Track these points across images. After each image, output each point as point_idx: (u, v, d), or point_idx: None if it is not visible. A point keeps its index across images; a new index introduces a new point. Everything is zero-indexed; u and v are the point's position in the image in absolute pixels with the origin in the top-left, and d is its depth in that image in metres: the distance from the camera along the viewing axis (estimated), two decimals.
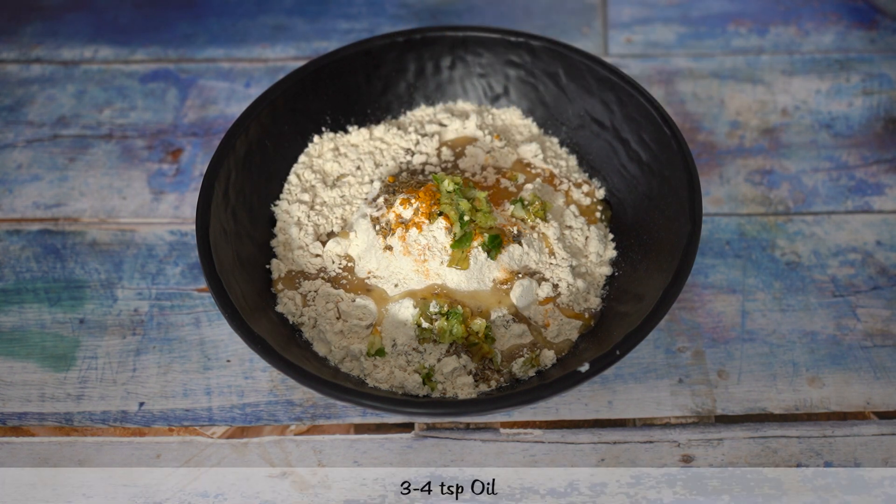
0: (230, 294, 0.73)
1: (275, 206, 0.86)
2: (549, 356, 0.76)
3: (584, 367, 0.68)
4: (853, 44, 1.08)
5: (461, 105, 0.93)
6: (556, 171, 0.87)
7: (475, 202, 0.78)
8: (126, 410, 0.80)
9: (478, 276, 0.77)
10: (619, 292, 0.79)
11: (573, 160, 0.89)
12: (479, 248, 0.77)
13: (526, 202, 0.81)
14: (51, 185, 0.96)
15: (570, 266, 0.80)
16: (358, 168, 0.87)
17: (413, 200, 0.78)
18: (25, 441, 0.78)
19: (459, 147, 0.89)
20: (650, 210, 0.81)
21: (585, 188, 0.86)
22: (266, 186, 0.85)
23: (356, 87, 0.90)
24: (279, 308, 0.79)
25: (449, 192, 0.77)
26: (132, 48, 1.09)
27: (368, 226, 0.80)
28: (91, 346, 0.84)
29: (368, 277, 0.79)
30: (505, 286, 0.77)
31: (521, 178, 0.85)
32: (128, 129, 1.01)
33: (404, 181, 0.83)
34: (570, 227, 0.83)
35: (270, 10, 1.14)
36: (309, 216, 0.84)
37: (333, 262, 0.81)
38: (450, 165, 0.87)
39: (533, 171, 0.87)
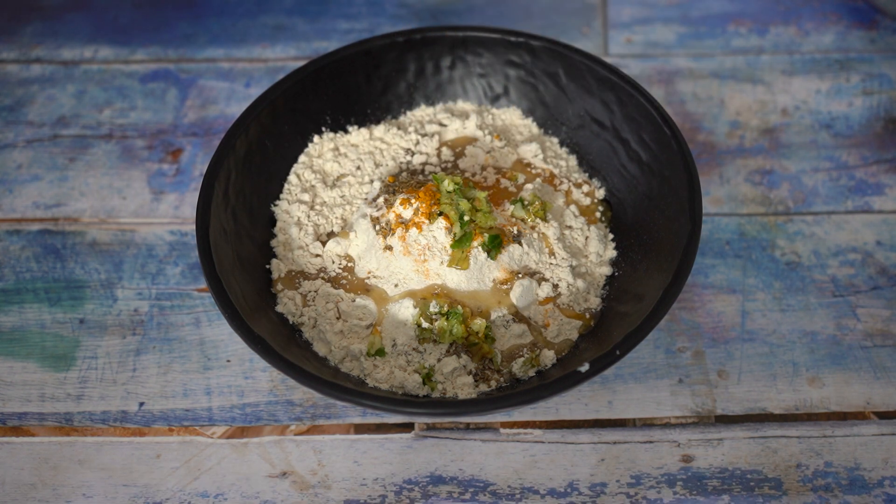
0: (230, 294, 0.73)
1: (275, 206, 0.86)
2: (549, 356, 0.76)
3: (584, 367, 0.68)
4: (853, 44, 1.08)
5: (461, 105, 0.93)
6: (556, 171, 0.87)
7: (475, 202, 0.78)
8: (126, 410, 0.80)
9: (478, 276, 0.77)
10: (619, 292, 0.79)
11: (573, 160, 0.89)
12: (479, 248, 0.77)
13: (526, 202, 0.81)
14: (51, 185, 0.96)
15: (570, 266, 0.80)
16: (358, 168, 0.87)
17: (413, 200, 0.78)
18: (25, 441, 0.78)
19: (459, 147, 0.89)
20: (650, 210, 0.81)
21: (585, 188, 0.87)
22: (266, 186, 0.85)
23: (356, 87, 0.90)
24: (279, 308, 0.79)
25: (449, 192, 0.77)
26: (132, 48, 1.09)
27: (368, 226, 0.80)
28: (91, 346, 0.84)
29: (368, 277, 0.79)
30: (505, 286, 0.77)
31: (521, 178, 0.85)
32: (128, 129, 1.01)
33: (404, 181, 0.83)
34: (570, 227, 0.83)
35: (270, 10, 1.14)
36: (309, 216, 0.84)
37: (333, 262, 0.81)
38: (450, 165, 0.87)
39: (533, 171, 0.87)
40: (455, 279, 0.77)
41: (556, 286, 0.79)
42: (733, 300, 0.86)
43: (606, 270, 0.81)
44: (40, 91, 1.05)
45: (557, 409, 0.79)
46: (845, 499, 0.74)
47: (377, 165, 0.87)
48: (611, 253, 0.82)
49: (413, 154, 0.88)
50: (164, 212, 0.93)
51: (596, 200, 0.86)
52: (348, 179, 0.87)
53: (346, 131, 0.90)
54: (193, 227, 0.91)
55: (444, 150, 0.88)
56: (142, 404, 0.80)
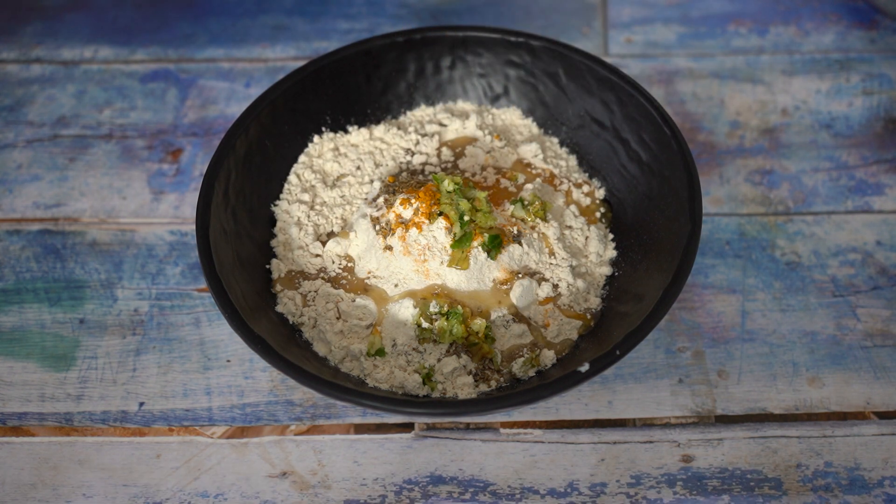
0: (230, 294, 0.73)
1: (275, 206, 0.86)
2: (549, 356, 0.76)
3: (584, 367, 0.68)
4: (853, 44, 1.08)
5: (461, 105, 0.93)
6: (556, 171, 0.87)
7: (475, 202, 0.78)
8: (126, 410, 0.80)
9: (478, 276, 0.77)
10: (619, 292, 0.79)
11: (573, 160, 0.89)
12: (479, 248, 0.77)
13: (526, 202, 0.81)
14: (51, 185, 0.96)
15: (570, 266, 0.80)
16: (358, 168, 0.87)
17: (413, 200, 0.78)
18: (25, 441, 0.78)
19: (459, 147, 0.89)
20: (650, 210, 0.81)
21: (585, 188, 0.87)
22: (266, 186, 0.85)
23: (356, 87, 0.90)
24: (279, 308, 0.79)
25: (449, 192, 0.77)
26: (132, 48, 1.09)
27: (368, 226, 0.80)
28: (91, 346, 0.84)
29: (368, 277, 0.79)
30: (505, 286, 0.77)
31: (521, 178, 0.85)
32: (128, 129, 1.01)
33: (404, 181, 0.83)
34: (570, 227, 0.83)
35: (270, 10, 1.14)
36: (309, 216, 0.84)
37: (333, 262, 0.81)
38: (450, 165, 0.87)
39: (533, 171, 0.87)
40: (455, 279, 0.77)
41: (556, 286, 0.79)
42: (733, 300, 0.86)
43: (606, 270, 0.81)
44: (40, 91, 1.05)
45: (557, 409, 0.79)
46: (845, 499, 0.74)
47: (377, 165, 0.87)
48: (611, 253, 0.82)
49: (413, 154, 0.88)
50: (164, 212, 0.93)
51: (596, 200, 0.86)
52: (348, 179, 0.87)
53: (346, 131, 0.90)
54: (193, 227, 0.91)
55: (444, 150, 0.88)
56: (142, 404, 0.80)
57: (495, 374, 0.75)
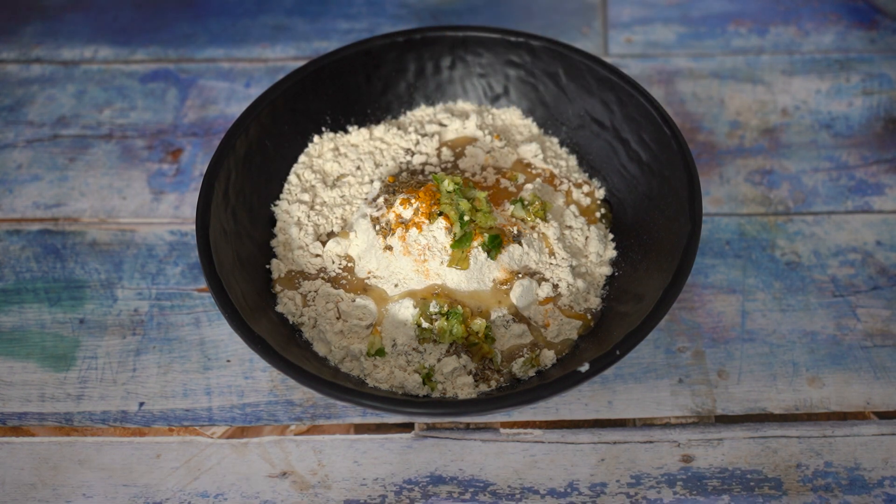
0: (230, 294, 0.73)
1: (275, 206, 0.86)
2: (549, 356, 0.76)
3: (584, 367, 0.68)
4: (853, 44, 1.08)
5: (461, 105, 0.93)
6: (556, 171, 0.87)
7: (475, 202, 0.78)
8: (126, 410, 0.80)
9: (478, 276, 0.77)
10: (619, 292, 0.79)
11: (573, 160, 0.89)
12: (479, 248, 0.77)
13: (526, 202, 0.81)
14: (51, 185, 0.96)
15: (570, 266, 0.80)
16: (358, 168, 0.87)
17: (413, 200, 0.78)
18: (25, 441, 0.78)
19: (459, 147, 0.89)
20: (650, 210, 0.81)
21: (585, 188, 0.87)
22: (266, 186, 0.85)
23: (356, 87, 0.90)
24: (279, 308, 0.79)
25: (449, 192, 0.77)
26: (132, 48, 1.09)
27: (368, 226, 0.80)
28: (91, 346, 0.84)
29: (368, 277, 0.79)
30: (505, 286, 0.77)
31: (521, 178, 0.85)
32: (128, 129, 1.01)
33: (404, 181, 0.83)
34: (570, 227, 0.83)
35: (270, 10, 1.14)
36: (309, 216, 0.84)
37: (333, 263, 0.81)
38: (450, 165, 0.87)
39: (533, 171, 0.87)
40: (455, 279, 0.77)
41: (556, 286, 0.79)
42: (733, 300, 0.86)
43: (606, 270, 0.81)
44: (40, 91, 1.05)
45: (557, 409, 0.79)
46: (845, 499, 0.74)
47: (377, 165, 0.87)
48: (611, 253, 0.82)
49: (413, 154, 0.88)
50: (164, 212, 0.93)
51: (596, 200, 0.86)
52: (348, 179, 0.87)
53: (346, 131, 0.90)
54: (193, 227, 0.91)
55: (444, 150, 0.88)
56: (142, 404, 0.80)
57: (495, 374, 0.75)
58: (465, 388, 0.74)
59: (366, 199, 0.85)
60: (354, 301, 0.78)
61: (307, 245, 0.82)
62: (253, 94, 1.04)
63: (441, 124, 0.90)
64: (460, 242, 0.76)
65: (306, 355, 0.75)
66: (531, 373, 0.75)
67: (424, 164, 0.87)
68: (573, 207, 0.84)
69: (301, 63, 1.06)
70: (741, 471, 0.76)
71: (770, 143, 0.98)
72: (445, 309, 0.75)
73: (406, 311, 0.76)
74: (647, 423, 0.78)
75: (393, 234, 0.78)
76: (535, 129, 0.91)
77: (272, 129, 0.86)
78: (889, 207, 0.92)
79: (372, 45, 0.89)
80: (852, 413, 0.79)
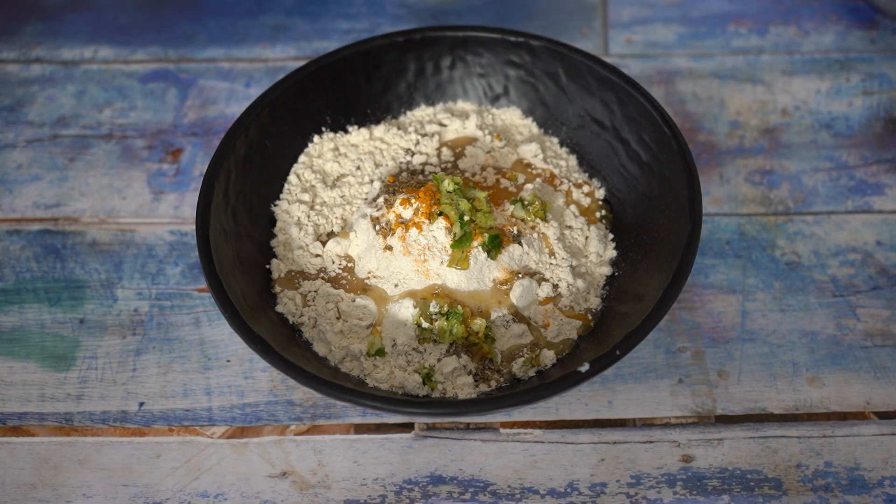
0: (230, 294, 0.73)
1: (275, 206, 0.86)
2: (549, 356, 0.76)
3: (584, 367, 0.68)
4: (853, 44, 1.08)
5: (461, 105, 0.93)
6: (556, 171, 0.87)
7: (475, 202, 0.78)
8: (126, 410, 0.80)
9: (478, 276, 0.77)
10: (619, 292, 0.79)
11: (573, 160, 0.89)
12: (479, 248, 0.77)
13: (526, 202, 0.81)
14: (51, 185, 0.96)
15: (570, 266, 0.80)
16: (358, 168, 0.87)
17: (413, 200, 0.78)
18: (25, 441, 0.78)
19: (459, 147, 0.89)
20: (650, 210, 0.81)
21: (585, 188, 0.87)
22: (266, 186, 0.85)
23: (356, 87, 0.90)
24: (279, 308, 0.79)
25: (449, 192, 0.77)
26: (132, 48, 1.09)
27: (368, 226, 0.80)
28: (91, 346, 0.84)
29: (368, 277, 0.79)
30: (505, 286, 0.77)
31: (521, 178, 0.85)
32: (128, 129, 1.01)
33: (404, 181, 0.83)
34: (570, 227, 0.83)
35: (270, 10, 1.14)
36: (309, 216, 0.84)
37: (333, 263, 0.81)
38: (450, 165, 0.87)
39: (533, 171, 0.87)
40: (455, 279, 0.77)
41: (556, 286, 0.79)
42: (733, 300, 0.86)
43: (606, 270, 0.81)
44: (40, 91, 1.05)
45: (557, 409, 0.79)
46: (845, 499, 0.74)
47: (377, 166, 0.87)
48: (611, 253, 0.82)
49: (413, 154, 0.88)
50: (164, 212, 0.93)
51: (596, 200, 0.86)
52: (348, 180, 0.87)
53: (346, 131, 0.90)
54: (193, 227, 0.91)
55: (444, 150, 0.88)
56: (142, 404, 0.80)
57: (495, 374, 0.75)
58: (465, 388, 0.74)
59: (366, 199, 0.85)
60: (354, 301, 0.78)
61: (307, 245, 0.82)
62: (253, 94, 1.04)
63: (441, 124, 0.90)
64: (460, 242, 0.76)
65: (306, 355, 0.75)
66: (531, 373, 0.75)
67: (424, 164, 0.87)
68: (573, 207, 0.84)
69: (301, 63, 1.06)
70: (741, 471, 0.76)
71: (770, 143, 0.98)
72: (445, 309, 0.75)
73: (406, 311, 0.76)
74: (647, 423, 0.78)
75: (393, 234, 0.78)
76: (535, 129, 0.91)
77: (272, 129, 0.86)
78: (889, 207, 0.92)
79: (372, 45, 0.89)
80: (852, 413, 0.79)
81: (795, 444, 0.77)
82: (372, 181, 0.86)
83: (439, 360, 0.75)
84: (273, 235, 0.84)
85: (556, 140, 0.91)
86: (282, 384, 0.81)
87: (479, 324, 0.75)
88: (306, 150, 0.89)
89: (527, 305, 0.78)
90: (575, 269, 0.80)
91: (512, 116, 0.92)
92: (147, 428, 0.79)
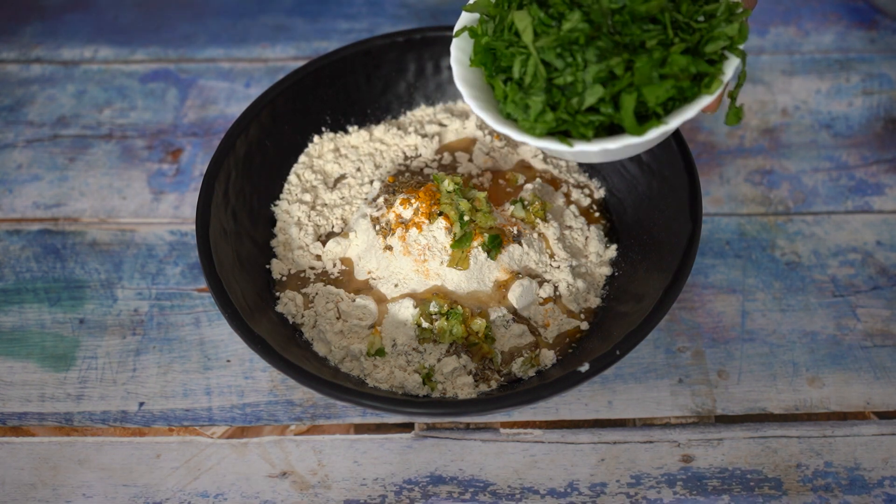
0: (230, 294, 0.73)
1: (275, 206, 0.86)
2: (549, 356, 0.76)
3: (584, 367, 0.68)
4: (853, 44, 1.08)
5: (461, 105, 0.93)
6: (556, 172, 0.87)
7: (475, 202, 0.78)
8: (126, 410, 0.80)
9: (478, 276, 0.77)
10: (619, 292, 0.79)
11: (573, 161, 0.89)
12: (479, 248, 0.77)
13: (526, 202, 0.81)
14: (51, 185, 0.96)
15: (570, 266, 0.80)
16: (358, 170, 0.87)
17: (413, 200, 0.78)
18: (25, 441, 0.78)
19: (459, 147, 0.89)
20: (650, 210, 0.81)
21: (585, 188, 0.87)
22: (266, 186, 0.85)
23: (356, 87, 0.90)
24: (279, 308, 0.79)
25: (449, 192, 0.77)
26: (132, 48, 1.09)
27: (368, 226, 0.80)
28: (91, 346, 0.84)
29: (368, 278, 0.79)
30: (505, 286, 0.77)
31: (520, 179, 0.85)
32: (128, 129, 1.01)
33: (404, 181, 0.83)
34: (570, 228, 0.83)
35: (270, 10, 1.14)
36: (309, 216, 0.84)
37: (334, 266, 0.81)
38: (449, 166, 0.87)
39: (533, 172, 0.87)
40: (455, 279, 0.77)
41: (556, 286, 0.79)
42: (733, 300, 0.86)
43: (606, 270, 0.81)
44: (40, 91, 1.05)
45: (557, 409, 0.79)
46: (845, 499, 0.74)
47: (377, 167, 0.87)
48: (611, 253, 0.82)
49: (413, 155, 0.88)
50: (164, 212, 0.93)
51: (596, 201, 0.86)
52: (348, 181, 0.87)
53: (346, 131, 0.90)
54: (193, 227, 0.91)
55: (445, 150, 0.88)
56: (142, 404, 0.80)
57: (495, 374, 0.75)
58: (465, 388, 0.74)
59: (366, 199, 0.85)
60: (354, 301, 0.78)
61: (307, 245, 0.82)
62: (253, 94, 1.04)
63: (441, 124, 0.90)
64: (460, 242, 0.76)
65: (306, 355, 0.75)
66: (531, 373, 0.75)
67: (424, 164, 0.87)
68: (573, 207, 0.84)
69: (301, 63, 1.06)
70: (741, 471, 0.76)
71: (770, 143, 0.98)
72: (445, 309, 0.75)
73: (406, 311, 0.76)
74: (647, 423, 0.78)
75: (393, 234, 0.78)
76: None
77: (272, 129, 0.86)
78: (889, 207, 0.92)
79: (372, 45, 0.89)
80: (852, 413, 0.79)
81: (795, 444, 0.77)
82: (372, 181, 0.86)
83: (439, 360, 0.75)
84: (273, 235, 0.84)
85: None
86: (282, 384, 0.81)
87: (479, 324, 0.75)
88: (306, 150, 0.89)
89: (527, 305, 0.78)
90: (575, 270, 0.80)
91: None
92: (147, 428, 0.79)
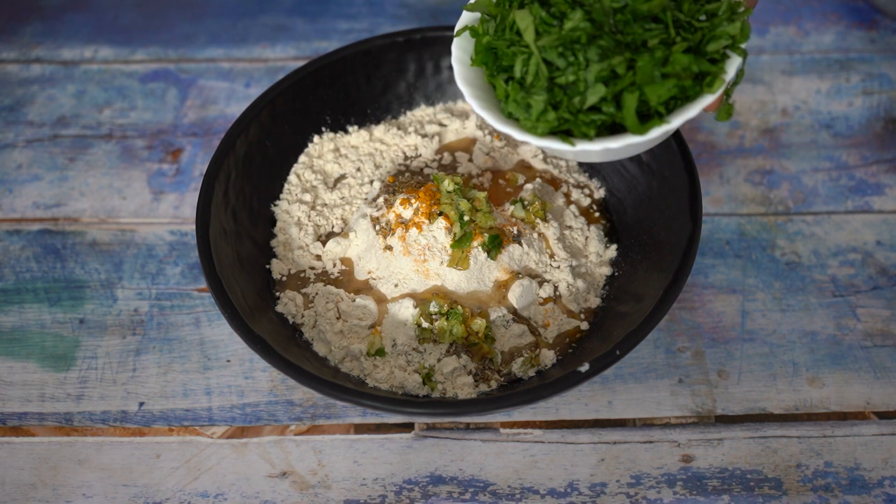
0: (230, 294, 0.73)
1: (275, 206, 0.86)
2: (549, 356, 0.76)
3: (584, 367, 0.68)
4: (853, 44, 1.08)
5: (461, 105, 0.93)
6: (556, 172, 0.87)
7: (475, 202, 0.78)
8: (126, 410, 0.80)
9: (478, 276, 0.77)
10: (619, 292, 0.79)
11: (573, 161, 0.89)
12: (479, 248, 0.77)
13: (526, 202, 0.81)
14: (51, 185, 0.96)
15: (570, 266, 0.80)
16: (358, 170, 0.87)
17: (413, 200, 0.78)
18: (25, 441, 0.78)
19: (459, 147, 0.89)
20: (650, 210, 0.81)
21: (585, 188, 0.87)
22: (266, 186, 0.85)
23: (356, 87, 0.90)
24: (279, 308, 0.79)
25: (449, 192, 0.77)
26: (132, 48, 1.09)
27: (368, 226, 0.80)
28: (91, 346, 0.84)
29: (368, 278, 0.79)
30: (505, 286, 0.77)
31: (520, 179, 0.85)
32: (128, 129, 1.01)
33: (404, 181, 0.83)
34: (570, 228, 0.83)
35: (270, 10, 1.14)
36: (309, 216, 0.84)
37: (334, 266, 0.81)
38: (449, 166, 0.87)
39: (533, 172, 0.87)
40: (455, 279, 0.77)
41: (556, 286, 0.79)
42: (733, 300, 0.86)
43: (606, 270, 0.81)
44: (40, 91, 1.05)
45: (557, 409, 0.79)
46: (845, 499, 0.74)
47: (377, 167, 0.87)
48: (611, 253, 0.82)
49: (413, 155, 0.88)
50: (164, 212, 0.93)
51: (596, 200, 0.86)
52: (348, 181, 0.87)
53: (346, 131, 0.90)
54: (193, 227, 0.91)
55: (445, 150, 0.88)
56: (142, 404, 0.80)
57: (495, 374, 0.75)
58: (465, 388, 0.74)
59: (366, 199, 0.85)
60: (354, 301, 0.78)
61: (307, 245, 0.82)
62: (253, 94, 1.04)
63: (441, 124, 0.91)
64: (460, 242, 0.76)
65: (306, 355, 0.75)
66: (531, 373, 0.75)
67: (424, 164, 0.87)
68: (573, 207, 0.84)
69: (301, 63, 1.06)
70: (741, 471, 0.76)
71: (770, 143, 0.98)
72: (445, 309, 0.75)
73: (406, 311, 0.76)
74: (647, 423, 0.78)
75: (393, 234, 0.78)
76: None
77: (272, 129, 0.86)
78: (889, 207, 0.92)
79: (372, 45, 0.89)
80: (852, 413, 0.79)
81: (795, 444, 0.77)
82: (372, 181, 0.86)
83: (439, 360, 0.75)
84: (273, 235, 0.84)
85: None
86: (282, 384, 0.81)
87: (479, 324, 0.75)
88: (306, 150, 0.89)
89: (527, 305, 0.78)
90: (575, 269, 0.80)
91: None
92: (147, 428, 0.79)
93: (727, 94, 0.66)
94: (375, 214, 0.80)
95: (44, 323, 0.85)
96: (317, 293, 0.79)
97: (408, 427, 0.79)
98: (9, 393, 0.81)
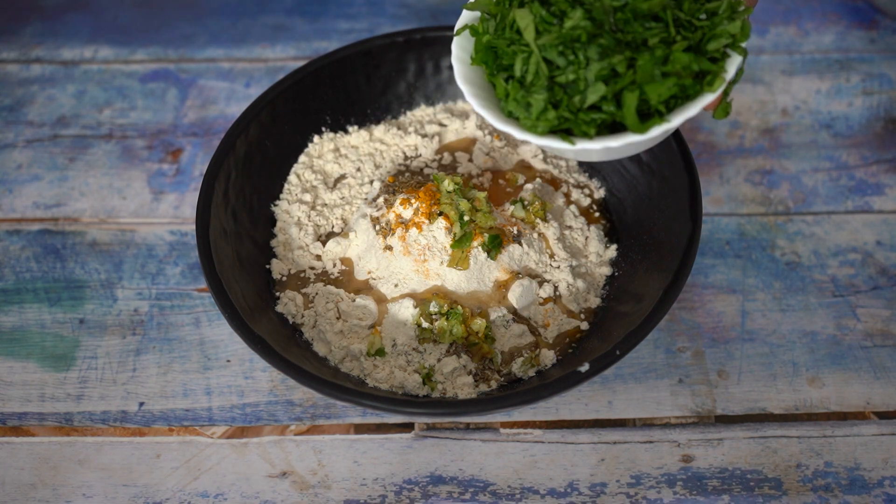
0: (230, 294, 0.73)
1: (275, 206, 0.86)
2: (549, 356, 0.76)
3: (584, 367, 0.68)
4: (853, 44, 1.08)
5: (461, 105, 0.93)
6: (556, 172, 0.87)
7: (475, 202, 0.78)
8: (126, 410, 0.80)
9: (478, 276, 0.77)
10: (619, 292, 0.79)
11: (573, 160, 0.89)
12: (479, 248, 0.77)
13: (526, 202, 0.81)
14: (51, 185, 0.96)
15: (570, 266, 0.80)
16: (358, 170, 0.87)
17: (413, 200, 0.78)
18: (25, 441, 0.78)
19: (459, 147, 0.89)
20: (650, 210, 0.81)
21: (585, 188, 0.87)
22: (266, 186, 0.85)
23: (356, 87, 0.90)
24: (279, 308, 0.79)
25: (449, 192, 0.77)
26: (132, 48, 1.09)
27: (368, 226, 0.80)
28: (91, 346, 0.84)
29: (368, 278, 0.79)
30: (505, 286, 0.77)
31: (520, 179, 0.85)
32: (128, 129, 1.01)
33: (404, 181, 0.83)
34: (570, 227, 0.83)
35: (270, 10, 1.14)
36: (309, 216, 0.84)
37: (334, 266, 0.81)
38: (449, 166, 0.87)
39: (533, 172, 0.87)
40: (455, 279, 0.77)
41: (556, 286, 0.79)
42: (733, 300, 0.86)
43: (606, 270, 0.81)
44: (40, 91, 1.05)
45: (557, 409, 0.79)
46: (845, 499, 0.74)
47: (377, 167, 0.87)
48: (611, 253, 0.82)
49: (413, 155, 0.88)
50: (164, 212, 0.93)
51: (596, 200, 0.86)
52: (348, 181, 0.87)
53: (346, 131, 0.90)
54: (193, 227, 0.91)
55: (445, 150, 0.88)
56: (142, 404, 0.80)
57: (495, 374, 0.75)
58: (465, 388, 0.74)
59: (366, 199, 0.85)
60: (354, 301, 0.78)
61: (307, 245, 0.82)
62: (253, 94, 1.04)
63: (441, 124, 0.91)
64: (460, 242, 0.76)
65: (306, 355, 0.75)
66: (531, 373, 0.75)
67: (424, 164, 0.87)
68: (573, 207, 0.84)
69: (301, 63, 1.06)
70: (741, 471, 0.76)
71: (770, 143, 0.98)
72: (445, 309, 0.75)
73: (406, 311, 0.76)
74: (647, 423, 0.78)
75: (393, 234, 0.78)
76: None
77: (272, 129, 0.86)
78: (889, 207, 0.92)
79: (372, 45, 0.89)
80: (852, 413, 0.79)
81: (795, 444, 0.77)
82: (372, 181, 0.86)
83: (439, 360, 0.75)
84: (273, 235, 0.84)
85: None
86: (282, 384, 0.81)
87: (479, 324, 0.75)
88: (306, 150, 0.89)
89: (527, 305, 0.78)
90: (575, 270, 0.80)
91: None
92: (147, 428, 0.79)
93: (726, 92, 0.66)
94: (375, 214, 0.80)
95: (44, 323, 0.85)
96: (317, 293, 0.79)
97: (408, 427, 0.79)
98: (9, 393, 0.81)
